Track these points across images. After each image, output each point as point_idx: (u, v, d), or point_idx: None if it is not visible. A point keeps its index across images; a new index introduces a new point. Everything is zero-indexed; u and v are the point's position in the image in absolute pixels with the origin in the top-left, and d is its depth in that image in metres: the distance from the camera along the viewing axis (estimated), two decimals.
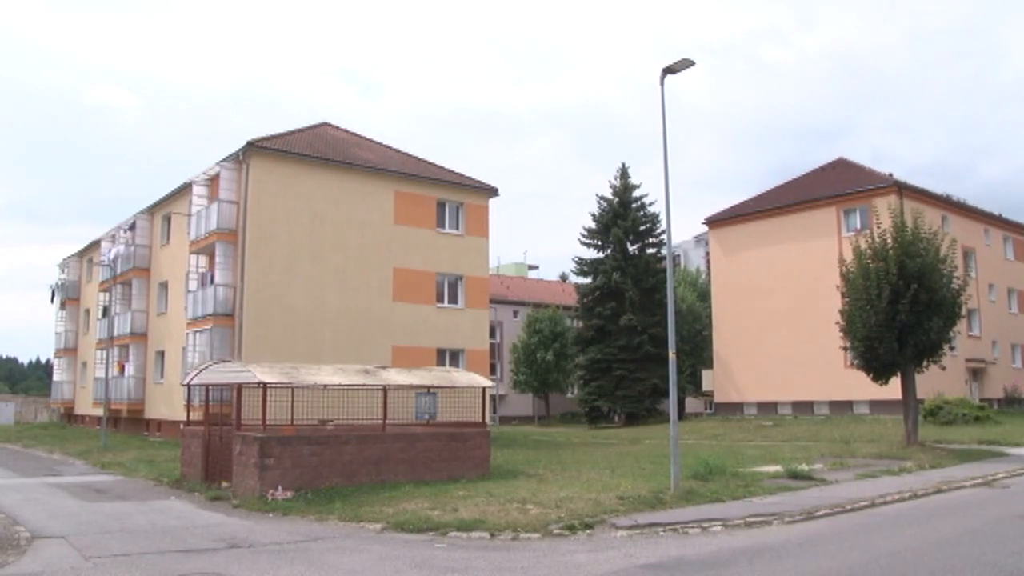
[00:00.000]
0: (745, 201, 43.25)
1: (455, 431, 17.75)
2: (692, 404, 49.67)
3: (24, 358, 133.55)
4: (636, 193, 48.12)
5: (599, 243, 47.86)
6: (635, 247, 47.60)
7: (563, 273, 78.88)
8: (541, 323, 52.05)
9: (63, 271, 48.01)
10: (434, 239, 32.70)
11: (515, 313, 57.73)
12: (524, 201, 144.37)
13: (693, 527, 11.41)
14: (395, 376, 17.83)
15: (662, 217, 47.34)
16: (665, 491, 13.84)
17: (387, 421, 16.99)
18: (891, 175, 37.57)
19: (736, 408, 40.53)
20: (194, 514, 13.65)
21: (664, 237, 46.51)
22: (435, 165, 35.26)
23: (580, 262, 48.31)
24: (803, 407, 37.60)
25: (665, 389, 41.79)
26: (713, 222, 42.90)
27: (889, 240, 22.11)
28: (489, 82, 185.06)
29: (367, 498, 14.08)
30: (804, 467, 17.12)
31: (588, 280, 48.26)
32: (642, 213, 47.63)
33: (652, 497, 13.33)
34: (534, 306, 55.05)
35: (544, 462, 20.99)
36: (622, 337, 45.01)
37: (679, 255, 64.26)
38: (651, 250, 47.73)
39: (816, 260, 37.05)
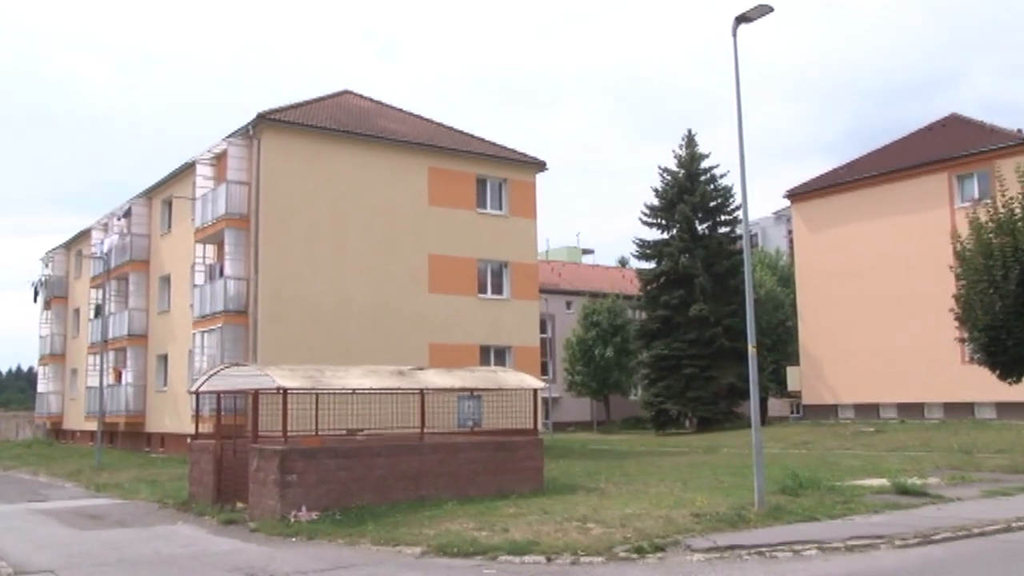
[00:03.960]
0: (835, 169, 42.34)
1: (503, 440, 17.81)
2: (776, 406, 48.99)
3: (2, 366, 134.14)
4: (704, 164, 47.76)
5: (663, 222, 47.71)
6: (705, 226, 47.32)
7: (622, 257, 78.65)
8: (598, 315, 51.85)
9: (47, 265, 48.40)
10: (474, 221, 32.78)
11: (568, 304, 57.82)
12: (574, 176, 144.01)
13: (783, 550, 11.19)
14: (433, 378, 17.87)
15: (736, 190, 47.24)
16: (748, 507, 13.70)
17: (425, 429, 17.04)
18: (1020, 131, 36.21)
19: (829, 411, 39.79)
20: (205, 540, 13.75)
21: (739, 213, 46.26)
22: (473, 137, 35.29)
23: (642, 244, 48.26)
24: (911, 410, 36.69)
25: (743, 389, 41.37)
26: (796, 195, 42.09)
27: (1018, 210, 21.31)
28: (523, 42, 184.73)
29: (404, 518, 14.15)
30: (916, 481, 16.71)
31: (651, 265, 48.19)
32: (712, 187, 47.26)
33: (733, 514, 13.20)
34: (590, 296, 54.82)
35: (605, 474, 21.01)
36: (692, 330, 44.72)
37: (756, 234, 63.35)
38: (724, 229, 47.38)
39: (923, 236, 36.05)
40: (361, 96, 36.35)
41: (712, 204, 47.05)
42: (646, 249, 48.03)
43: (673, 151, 49.04)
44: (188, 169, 32.84)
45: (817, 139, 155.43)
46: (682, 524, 12.55)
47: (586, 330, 51.94)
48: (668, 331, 46.01)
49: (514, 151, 35.14)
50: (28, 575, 11.19)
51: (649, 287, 47.77)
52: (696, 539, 11.74)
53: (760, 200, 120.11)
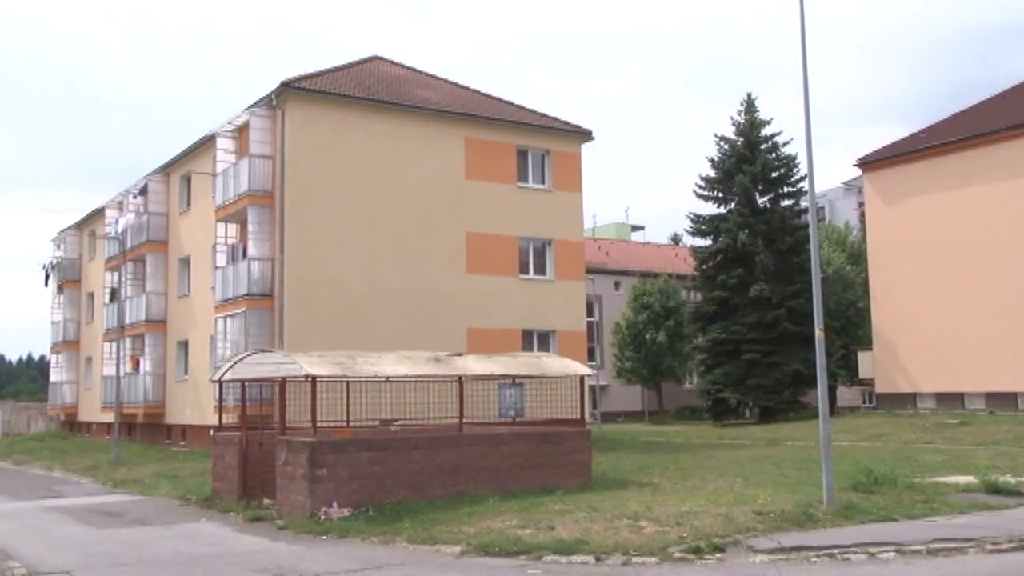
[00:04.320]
0: (914, 134, 41.53)
1: (548, 431, 17.84)
2: (846, 396, 48.53)
3: (11, 354, 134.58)
4: (766, 131, 47.44)
5: (720, 195, 47.69)
6: (766, 199, 47.23)
7: (675, 234, 78.55)
8: (650, 296, 51.93)
9: (59, 247, 49.36)
10: (515, 196, 32.87)
11: (617, 285, 57.95)
12: (623, 147, 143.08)
13: (856, 552, 11.08)
14: (472, 364, 17.97)
15: (801, 158, 46.81)
16: (816, 505, 13.59)
17: (464, 420, 17.15)
18: None
19: (906, 400, 39.27)
20: (230, 539, 13.92)
21: (804, 184, 46.71)
22: (513, 104, 35.28)
23: (696, 219, 48.29)
24: (1002, 400, 36.03)
25: (809, 376, 41.23)
26: (869, 163, 41.38)
27: None
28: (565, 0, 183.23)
29: (442, 515, 14.26)
30: (1009, 479, 16.37)
31: (707, 242, 48.18)
32: (774, 156, 47.00)
33: (799, 513, 13.11)
34: (640, 275, 54.95)
35: (659, 468, 21.03)
36: (752, 312, 44.63)
37: (823, 207, 62.74)
38: (787, 202, 47.24)
39: (1013, 208, 35.30)
40: (392, 62, 36.49)
41: (774, 174, 46.79)
42: (701, 225, 47.99)
43: (731, 118, 48.87)
44: (208, 143, 33.28)
45: (891, 101, 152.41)
46: (743, 523, 12.49)
47: (636, 313, 52.03)
48: (726, 313, 45.96)
49: (557, 119, 35.07)
50: (42, 575, 11.45)
51: (705, 266, 47.79)
52: (759, 539, 11.68)
53: (827, 170, 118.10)
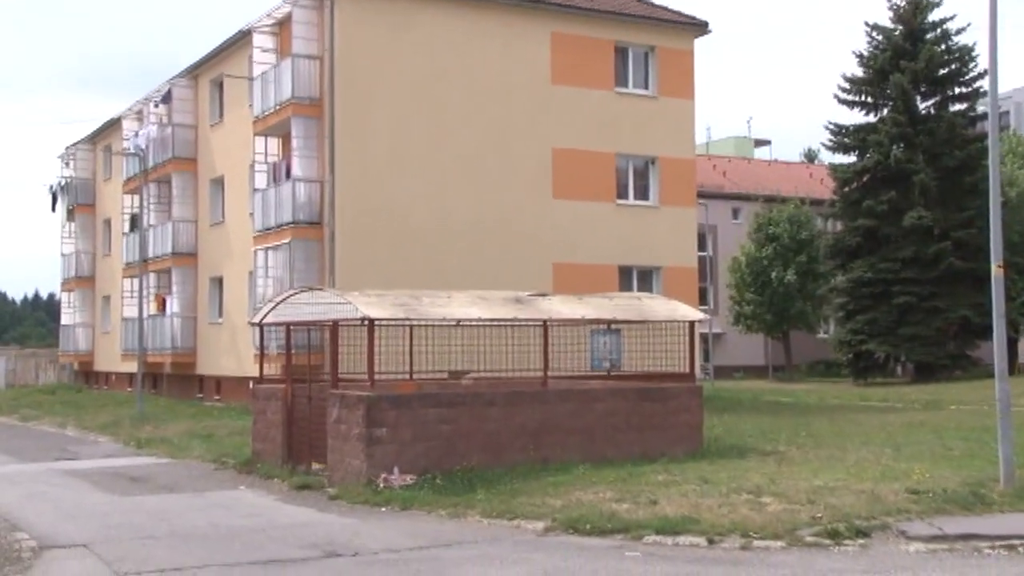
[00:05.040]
0: None
1: (650, 387, 17.96)
2: None
3: (15, 292, 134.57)
4: (933, 16, 46.30)
5: (869, 100, 47.21)
6: (930, 103, 46.47)
7: (809, 150, 77.34)
8: (776, 226, 51.38)
9: (67, 164, 49.91)
10: (612, 104, 32.58)
11: (736, 212, 57.73)
12: (746, 43, 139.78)
13: None
14: (559, 307, 17.99)
15: (980, 50, 45.71)
16: (990, 484, 13.33)
17: (549, 373, 17.38)
18: None
19: None
20: (273, 509, 14.26)
21: (983, 84, 45.37)
22: None
23: (838, 131, 47.85)
24: None
25: (982, 325, 40.17)
26: None
27: None
28: None
29: (523, 485, 14.40)
30: None
31: (851, 158, 47.82)
32: (943, 47, 46.02)
33: (967, 493, 12.88)
34: (765, 201, 54.49)
35: (786, 434, 21.07)
36: (908, 245, 44.17)
37: (1006, 112, 60.46)
38: (958, 106, 46.44)
39: None
40: None
41: (941, 71, 45.97)
42: (844, 137, 47.55)
43: (888, 0, 47.12)
44: (243, 40, 33.43)
45: None
46: (893, 503, 12.35)
47: (759, 246, 51.58)
48: (873, 247, 45.63)
49: (665, 9, 34.55)
50: (56, 549, 11.74)
51: (847, 188, 47.51)
52: (913, 523, 11.56)
53: (1014, 65, 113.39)
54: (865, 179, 46.45)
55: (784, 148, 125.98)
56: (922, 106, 46.13)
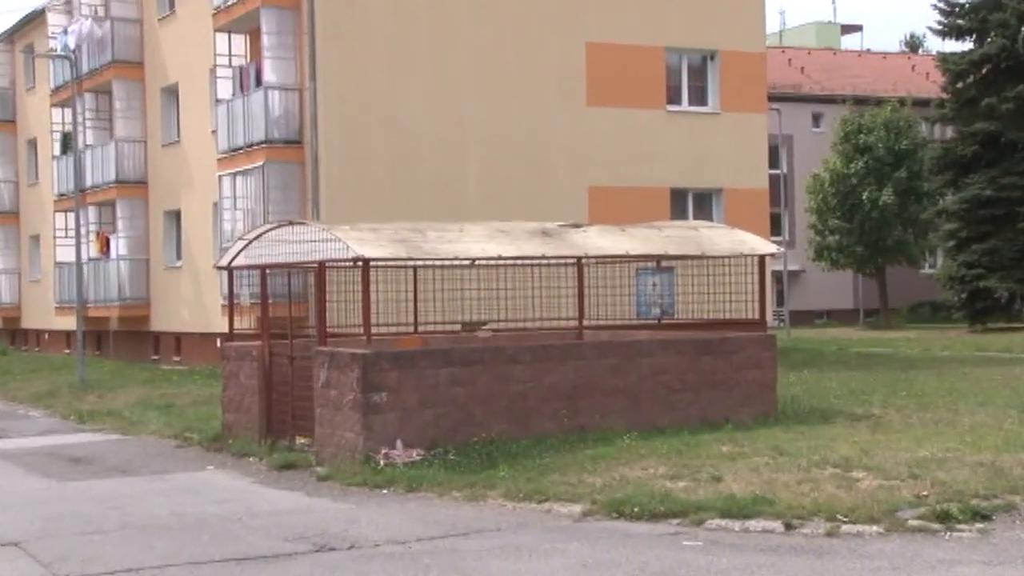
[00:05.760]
0: None
1: (710, 337, 18.01)
2: None
3: None
4: None
5: None
6: None
7: (912, 36, 76.67)
8: (869, 134, 51.24)
9: None
10: None
11: (817, 119, 58.14)
12: None
13: None
14: (597, 240, 17.88)
15: None
16: None
17: (587, 321, 17.42)
18: None
19: None
20: (250, 494, 14.25)
21: None
22: None
23: (949, 10, 47.88)
24: None
25: None
26: None
27: None
28: None
29: (555, 459, 14.45)
30: None
31: (966, 45, 47.99)
32: None
33: None
34: (855, 102, 54.44)
35: (882, 393, 21.14)
36: None
37: None
38: None
39: None
40: None
41: None
42: (957, 18, 47.62)
43: None
44: None
45: None
46: (1020, 477, 12.28)
47: (848, 160, 51.49)
48: (994, 159, 45.69)
49: None
50: None
51: (961, 84, 47.39)
52: None
53: None
54: (985, 71, 46.33)
55: (879, 35, 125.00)
56: None
